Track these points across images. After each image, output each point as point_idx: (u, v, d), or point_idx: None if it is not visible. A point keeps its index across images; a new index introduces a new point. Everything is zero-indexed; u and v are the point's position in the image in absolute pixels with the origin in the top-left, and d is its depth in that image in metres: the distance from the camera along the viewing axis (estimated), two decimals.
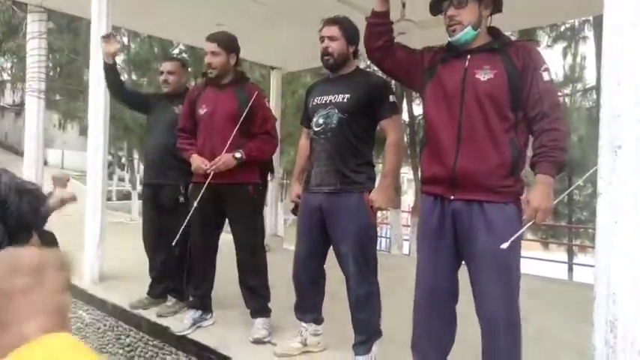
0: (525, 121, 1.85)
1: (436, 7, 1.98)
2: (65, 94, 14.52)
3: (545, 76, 1.81)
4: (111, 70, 3.34)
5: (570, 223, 10.37)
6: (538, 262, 7.59)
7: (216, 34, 2.80)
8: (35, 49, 4.95)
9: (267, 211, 7.61)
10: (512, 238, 1.72)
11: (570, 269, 9.82)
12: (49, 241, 2.86)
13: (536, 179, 1.78)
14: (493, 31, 1.97)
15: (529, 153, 1.87)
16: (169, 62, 3.40)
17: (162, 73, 3.35)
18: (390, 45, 2.08)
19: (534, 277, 5.65)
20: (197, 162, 2.74)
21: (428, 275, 2.01)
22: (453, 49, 1.98)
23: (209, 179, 2.67)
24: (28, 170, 4.90)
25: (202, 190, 2.68)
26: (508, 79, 1.81)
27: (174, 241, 2.79)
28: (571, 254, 10.34)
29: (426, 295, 2.02)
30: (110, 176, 20.06)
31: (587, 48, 10.41)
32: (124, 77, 14.88)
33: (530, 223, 1.78)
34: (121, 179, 19.19)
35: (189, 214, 2.78)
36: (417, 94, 10.55)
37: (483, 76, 1.84)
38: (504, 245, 1.70)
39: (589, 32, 9.98)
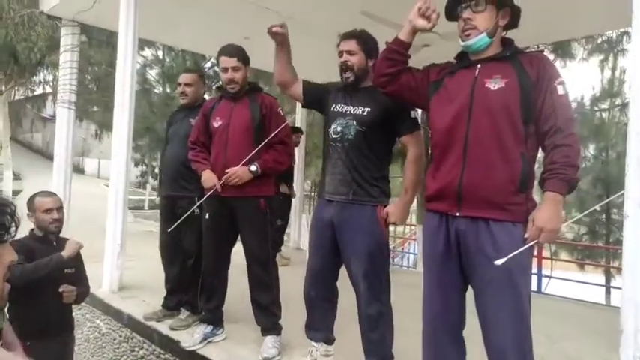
0: (536, 135, 1.74)
1: (452, 11, 1.89)
2: (102, 106, 15.04)
3: (560, 90, 1.70)
4: None
5: (608, 243, 9.90)
6: (573, 284, 7.22)
7: (231, 48, 2.79)
8: (68, 61, 5.11)
9: (291, 224, 7.60)
10: (509, 256, 1.60)
11: (607, 292, 9.34)
12: (63, 247, 2.87)
13: (544, 197, 1.66)
14: (506, 43, 1.88)
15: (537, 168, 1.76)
16: (187, 74, 3.40)
17: (179, 85, 3.37)
18: (400, 74, 2.02)
19: (567, 299, 5.39)
20: (209, 179, 2.73)
21: (435, 299, 1.91)
22: (463, 60, 1.90)
23: (220, 183, 2.66)
24: (57, 179, 5.02)
25: (202, 200, 2.67)
26: (520, 89, 1.71)
27: (170, 229, 2.84)
28: (608, 276, 9.85)
29: (433, 324, 1.92)
30: (144, 186, 20.57)
31: (625, 61, 10.01)
32: (158, 90, 15.39)
33: (533, 243, 1.65)
34: (154, 189, 19.59)
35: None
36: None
37: (494, 85, 1.74)
38: (499, 262, 1.60)
39: (628, 45, 9.59)
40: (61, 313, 2.67)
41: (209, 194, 2.69)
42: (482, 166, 1.73)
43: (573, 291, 6.71)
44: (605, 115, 10.27)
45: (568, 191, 1.64)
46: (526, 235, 1.67)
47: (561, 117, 1.67)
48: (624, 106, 9.99)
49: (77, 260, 2.81)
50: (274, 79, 2.62)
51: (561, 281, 7.18)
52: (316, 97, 2.54)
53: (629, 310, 1.42)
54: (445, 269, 1.85)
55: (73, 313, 2.87)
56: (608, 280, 9.65)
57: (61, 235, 2.74)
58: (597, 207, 8.13)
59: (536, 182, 1.79)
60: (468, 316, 1.93)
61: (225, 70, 2.77)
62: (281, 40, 2.46)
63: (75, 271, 2.70)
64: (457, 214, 1.79)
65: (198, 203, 2.82)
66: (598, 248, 10.22)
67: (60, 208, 2.71)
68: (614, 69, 10.10)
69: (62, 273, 2.61)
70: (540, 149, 1.78)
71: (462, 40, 1.85)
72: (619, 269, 9.72)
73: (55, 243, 2.68)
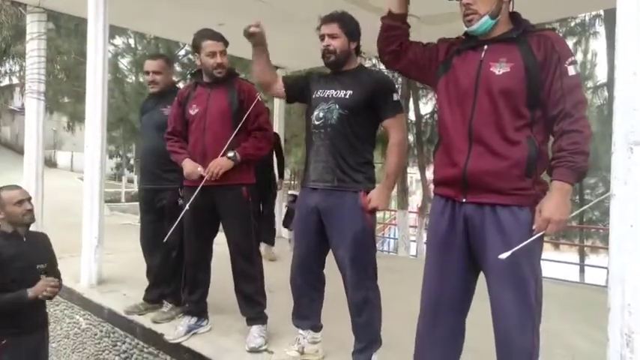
0: (544, 119, 1.69)
1: None
2: (73, 97, 14.61)
3: (571, 70, 1.62)
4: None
5: (582, 223, 10.17)
6: (549, 263, 7.40)
7: (217, 33, 2.73)
8: (35, 50, 4.89)
9: (276, 213, 7.54)
10: (514, 250, 1.57)
11: (582, 270, 9.62)
12: (43, 242, 2.80)
13: (552, 186, 1.62)
14: (515, 18, 1.80)
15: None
16: (153, 62, 3.24)
17: (147, 73, 3.22)
18: (405, 48, 1.94)
19: (545, 279, 5.51)
20: (190, 167, 2.66)
21: (434, 282, 1.87)
22: (470, 39, 1.83)
23: (202, 183, 2.59)
24: (28, 173, 4.84)
25: (195, 193, 2.59)
26: (526, 73, 1.66)
27: (165, 239, 2.73)
28: (582, 255, 10.14)
29: (431, 303, 1.88)
30: (119, 178, 20.16)
31: (598, 44, 10.20)
32: (130, 79, 15.02)
33: (541, 234, 1.61)
34: (130, 181, 19.23)
35: (180, 216, 2.70)
36: (426, 91, 10.45)
37: (499, 69, 1.69)
38: (503, 256, 1.57)
39: (600, 27, 9.76)
40: (34, 310, 2.60)
41: (202, 184, 2.58)
42: (487, 152, 1.69)
43: (549, 270, 6.88)
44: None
45: (577, 179, 1.60)
46: (534, 227, 1.63)
47: (570, 101, 1.60)
48: (597, 88, 10.20)
49: (49, 255, 2.73)
50: (255, 80, 2.57)
51: None
52: (298, 90, 2.50)
53: (617, 287, 1.43)
54: (446, 253, 1.82)
55: (52, 309, 2.80)
56: (582, 259, 9.94)
57: (42, 230, 2.66)
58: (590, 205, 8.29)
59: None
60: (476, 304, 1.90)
61: (213, 54, 2.68)
62: (259, 40, 2.40)
63: (47, 266, 2.63)
64: (464, 200, 1.75)
65: (195, 195, 2.64)
66: (572, 228, 10.48)
67: (29, 199, 2.64)
68: (586, 52, 10.29)
69: (34, 269, 2.53)
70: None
71: (466, 27, 1.78)
72: (593, 248, 10.06)
73: (24, 239, 2.59)
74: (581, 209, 8.52)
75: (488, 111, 1.69)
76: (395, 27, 1.93)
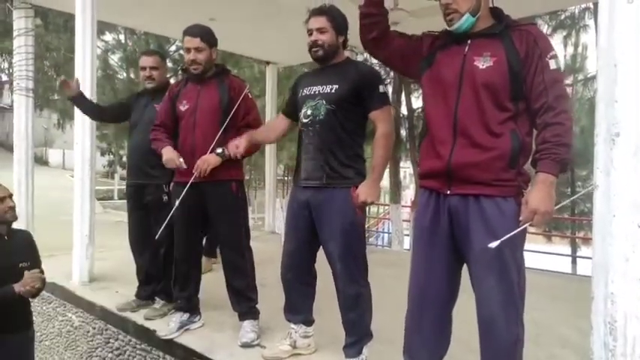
0: (528, 111, 1.72)
1: None
2: (63, 94, 14.47)
3: (552, 64, 1.66)
4: (78, 102, 3.39)
5: (573, 215, 10.26)
6: (541, 255, 7.46)
7: (195, 28, 2.69)
8: (22, 46, 4.85)
9: (266, 208, 7.55)
10: (503, 239, 1.59)
11: (574, 262, 9.71)
12: (25, 240, 2.78)
13: (536, 178, 1.64)
14: (496, 13, 1.83)
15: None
16: (149, 57, 3.24)
17: (143, 69, 3.21)
18: (385, 35, 1.95)
19: (536, 270, 5.55)
20: (169, 154, 2.65)
21: (421, 274, 1.89)
22: (453, 34, 1.84)
23: (192, 179, 2.58)
24: (18, 171, 4.80)
25: (185, 190, 2.59)
26: (509, 67, 1.68)
27: (157, 236, 2.73)
28: (574, 247, 10.24)
29: (418, 296, 1.90)
30: (112, 175, 20.04)
31: (587, 37, 10.25)
32: (121, 75, 14.89)
33: (527, 225, 1.64)
34: (123, 178, 19.13)
35: (171, 213, 2.69)
36: (418, 85, 10.49)
37: (482, 64, 1.71)
38: (493, 244, 1.58)
39: (589, 20, 9.80)
40: (18, 309, 2.59)
41: (192, 180, 2.59)
42: (471, 145, 1.71)
43: (541, 262, 6.94)
44: (568, 90, 10.52)
45: (561, 170, 1.62)
46: (521, 218, 1.65)
47: (552, 94, 1.63)
48: (587, 81, 10.26)
49: (32, 253, 2.71)
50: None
51: (530, 253, 7.41)
52: (295, 107, 2.50)
53: (600, 276, 1.45)
54: (431, 245, 1.84)
55: (44, 307, 2.79)
56: (574, 250, 10.03)
57: (33, 229, 2.64)
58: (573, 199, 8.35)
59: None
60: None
61: (187, 50, 2.67)
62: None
63: (30, 264, 2.60)
64: (448, 192, 1.78)
65: (184, 192, 2.64)
66: (564, 220, 10.57)
67: (11, 196, 2.62)
68: (576, 45, 10.33)
69: (17, 268, 2.51)
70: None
71: (448, 26, 1.81)
72: (584, 239, 10.15)
73: (6, 237, 2.58)
74: (563, 203, 8.63)
75: (473, 104, 1.71)
76: (372, 14, 1.93)
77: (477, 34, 1.77)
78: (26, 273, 2.47)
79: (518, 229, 1.64)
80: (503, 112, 1.70)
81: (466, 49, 1.76)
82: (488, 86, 1.69)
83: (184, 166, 2.61)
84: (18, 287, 2.42)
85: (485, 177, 1.70)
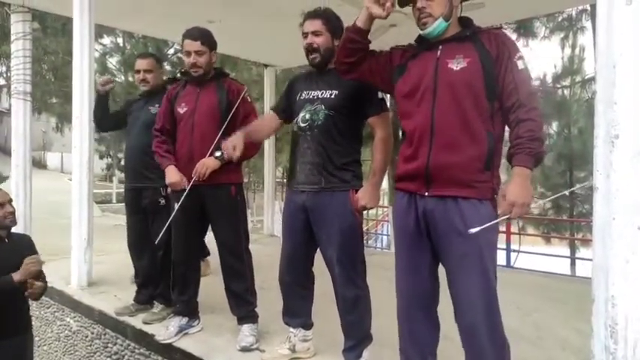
0: (501, 112, 1.78)
1: None
2: (62, 97, 14.43)
3: (520, 64, 1.73)
4: (101, 99, 3.45)
5: (572, 216, 10.25)
6: (540, 257, 7.45)
7: (196, 31, 2.69)
8: (20, 50, 4.82)
9: (264, 211, 7.53)
10: (483, 227, 1.62)
11: (573, 263, 9.69)
12: (25, 244, 2.77)
13: (513, 172, 1.68)
14: (463, 21, 1.90)
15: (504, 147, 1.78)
16: (144, 60, 3.24)
17: (138, 72, 3.22)
18: (361, 62, 2.01)
19: (536, 272, 5.55)
20: (174, 177, 2.66)
21: (407, 277, 1.93)
22: (423, 43, 1.90)
23: (190, 184, 2.58)
24: (15, 175, 4.79)
25: (184, 194, 2.59)
26: (483, 67, 1.74)
27: (157, 240, 2.72)
28: (573, 248, 10.22)
29: (407, 301, 1.95)
30: (110, 178, 20.00)
31: (585, 39, 10.27)
32: (119, 78, 14.88)
33: (505, 217, 1.67)
34: (121, 181, 19.09)
35: (171, 217, 2.68)
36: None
37: (456, 65, 1.76)
38: (472, 230, 1.62)
39: (587, 22, 9.82)
40: (17, 313, 2.57)
41: (190, 184, 2.59)
42: (449, 146, 1.75)
43: (541, 264, 6.93)
44: (567, 92, 10.54)
45: (535, 164, 1.67)
46: (499, 211, 1.68)
47: (523, 92, 1.70)
48: (585, 82, 10.28)
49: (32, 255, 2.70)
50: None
51: (529, 255, 7.42)
52: (287, 105, 2.51)
53: (600, 279, 1.44)
54: (415, 248, 1.87)
55: (42, 312, 2.77)
56: (573, 252, 10.01)
57: (32, 232, 2.63)
58: (566, 192, 8.40)
59: (503, 160, 1.81)
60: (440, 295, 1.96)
61: (188, 53, 2.67)
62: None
63: None
64: (426, 194, 1.80)
65: (183, 196, 2.65)
66: (563, 222, 10.56)
67: (10, 201, 2.62)
68: (574, 47, 10.35)
69: (16, 272, 2.50)
70: (506, 126, 1.80)
71: (421, 30, 1.86)
72: (583, 241, 10.12)
73: (6, 240, 2.56)
74: (549, 198, 8.72)
75: (449, 105, 1.75)
76: (357, 40, 1.97)
77: (448, 39, 1.83)
78: (29, 259, 2.46)
79: (497, 220, 1.68)
80: (480, 112, 1.75)
81: (438, 54, 1.82)
82: (465, 86, 1.74)
83: (187, 185, 2.61)
84: (18, 275, 2.40)
85: (463, 178, 1.74)
